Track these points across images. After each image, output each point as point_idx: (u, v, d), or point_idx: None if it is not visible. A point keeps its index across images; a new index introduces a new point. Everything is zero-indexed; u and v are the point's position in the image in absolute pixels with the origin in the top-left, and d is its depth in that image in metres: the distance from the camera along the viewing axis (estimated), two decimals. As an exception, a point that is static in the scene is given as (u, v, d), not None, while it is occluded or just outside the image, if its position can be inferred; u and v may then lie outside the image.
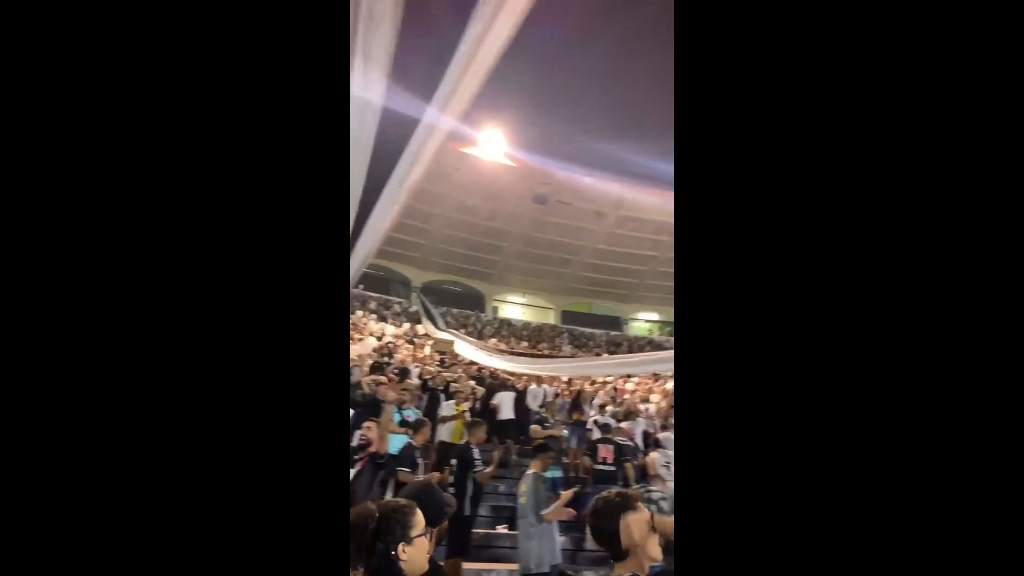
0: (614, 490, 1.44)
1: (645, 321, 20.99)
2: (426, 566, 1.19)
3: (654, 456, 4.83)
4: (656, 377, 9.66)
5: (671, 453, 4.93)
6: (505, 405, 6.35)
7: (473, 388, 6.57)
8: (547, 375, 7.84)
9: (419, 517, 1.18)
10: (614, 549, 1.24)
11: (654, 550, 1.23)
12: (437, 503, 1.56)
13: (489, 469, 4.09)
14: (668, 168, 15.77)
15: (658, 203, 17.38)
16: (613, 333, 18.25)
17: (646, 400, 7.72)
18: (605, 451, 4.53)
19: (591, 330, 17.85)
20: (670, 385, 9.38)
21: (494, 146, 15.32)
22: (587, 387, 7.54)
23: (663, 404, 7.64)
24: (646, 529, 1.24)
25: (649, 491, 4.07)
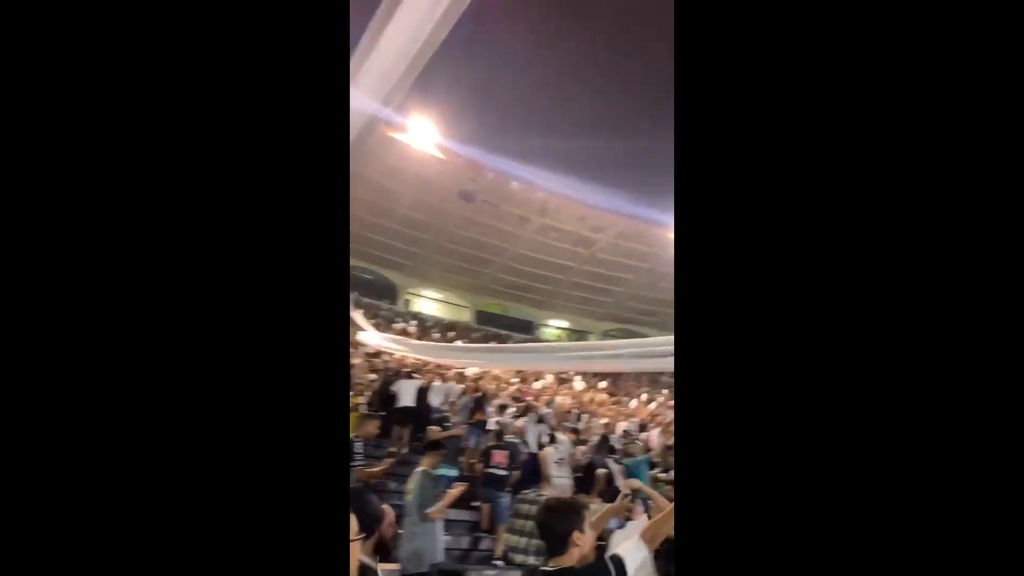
0: (566, 495, 1.63)
1: (556, 328, 21.65)
2: (354, 573, 1.21)
3: (548, 451, 4.91)
4: (562, 381, 9.94)
5: (564, 449, 5.06)
6: (405, 393, 6.10)
7: (371, 380, 6.24)
8: (455, 372, 7.71)
9: (352, 522, 1.20)
10: (556, 545, 1.38)
11: (592, 551, 1.38)
12: (372, 508, 1.57)
13: (378, 468, 3.89)
14: (594, 180, 16.43)
15: (580, 215, 18.05)
16: (526, 337, 18.58)
17: (549, 404, 7.88)
18: (500, 456, 4.52)
19: (505, 332, 18.02)
20: (578, 387, 9.68)
21: (425, 136, 14.92)
22: (492, 387, 7.53)
23: (567, 405, 7.85)
24: (594, 534, 1.40)
25: (541, 495, 4.13)
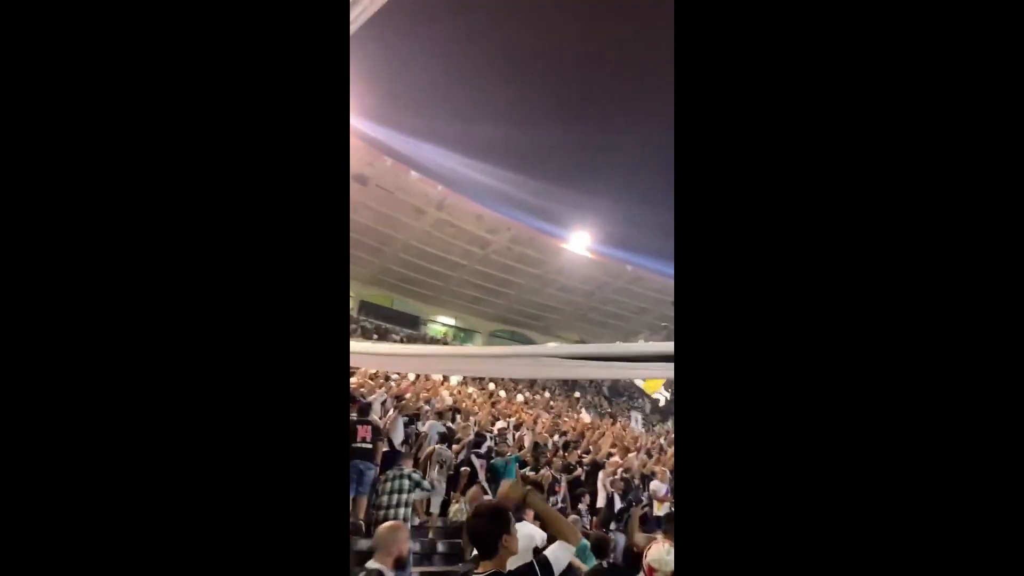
0: (493, 500, 1.72)
1: (442, 325, 21.46)
2: None
3: (437, 449, 5.03)
4: (444, 379, 9.83)
5: (446, 453, 5.08)
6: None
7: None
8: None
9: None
10: (485, 548, 1.42)
11: (516, 550, 1.44)
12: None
13: None
14: (498, 166, 16.58)
15: (477, 215, 18.14)
16: (410, 331, 18.10)
17: (428, 401, 7.71)
18: (363, 431, 4.41)
19: (388, 325, 17.35)
20: (453, 381, 9.63)
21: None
22: (368, 381, 7.14)
23: (446, 402, 7.77)
24: (512, 502, 1.47)
25: (403, 470, 4.08)
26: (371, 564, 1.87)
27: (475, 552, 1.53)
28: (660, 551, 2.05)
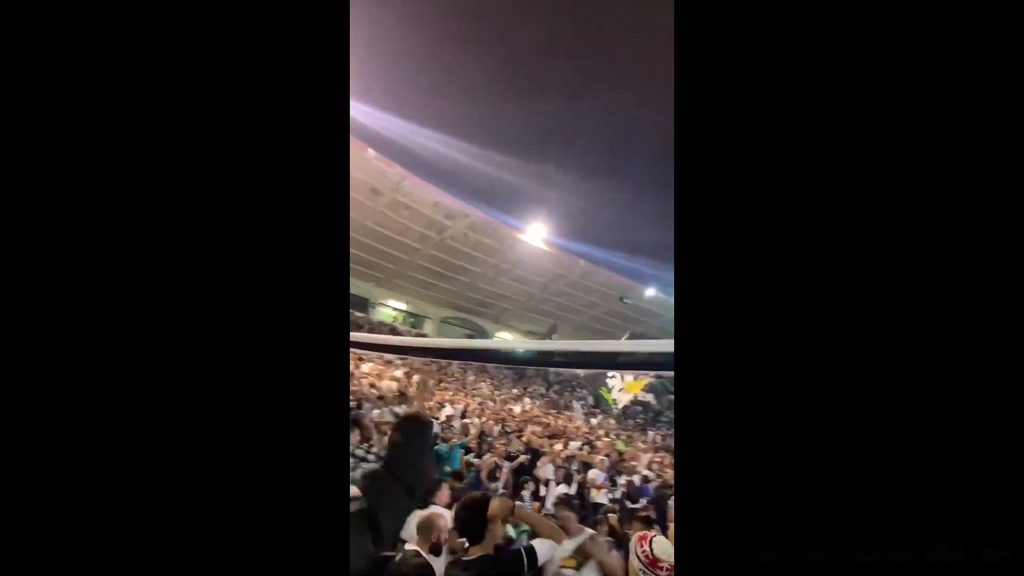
0: (478, 492, 1.86)
1: (393, 308, 21.05)
2: None
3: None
4: (388, 362, 9.68)
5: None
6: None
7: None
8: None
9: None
10: (475, 536, 1.59)
11: (500, 534, 1.61)
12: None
13: None
14: (462, 139, 16.25)
15: (434, 200, 17.82)
16: (358, 315, 17.63)
17: (373, 386, 7.58)
18: None
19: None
20: (399, 373, 9.55)
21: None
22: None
23: (393, 387, 7.69)
24: (500, 519, 1.63)
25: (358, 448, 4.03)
26: (409, 546, 2.01)
27: (467, 543, 1.70)
28: (665, 543, 2.11)
